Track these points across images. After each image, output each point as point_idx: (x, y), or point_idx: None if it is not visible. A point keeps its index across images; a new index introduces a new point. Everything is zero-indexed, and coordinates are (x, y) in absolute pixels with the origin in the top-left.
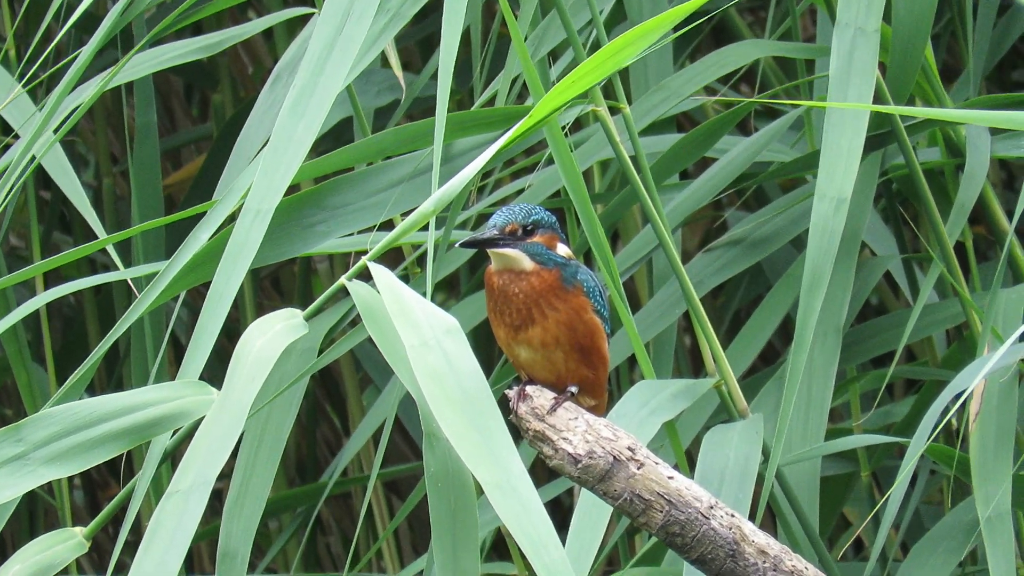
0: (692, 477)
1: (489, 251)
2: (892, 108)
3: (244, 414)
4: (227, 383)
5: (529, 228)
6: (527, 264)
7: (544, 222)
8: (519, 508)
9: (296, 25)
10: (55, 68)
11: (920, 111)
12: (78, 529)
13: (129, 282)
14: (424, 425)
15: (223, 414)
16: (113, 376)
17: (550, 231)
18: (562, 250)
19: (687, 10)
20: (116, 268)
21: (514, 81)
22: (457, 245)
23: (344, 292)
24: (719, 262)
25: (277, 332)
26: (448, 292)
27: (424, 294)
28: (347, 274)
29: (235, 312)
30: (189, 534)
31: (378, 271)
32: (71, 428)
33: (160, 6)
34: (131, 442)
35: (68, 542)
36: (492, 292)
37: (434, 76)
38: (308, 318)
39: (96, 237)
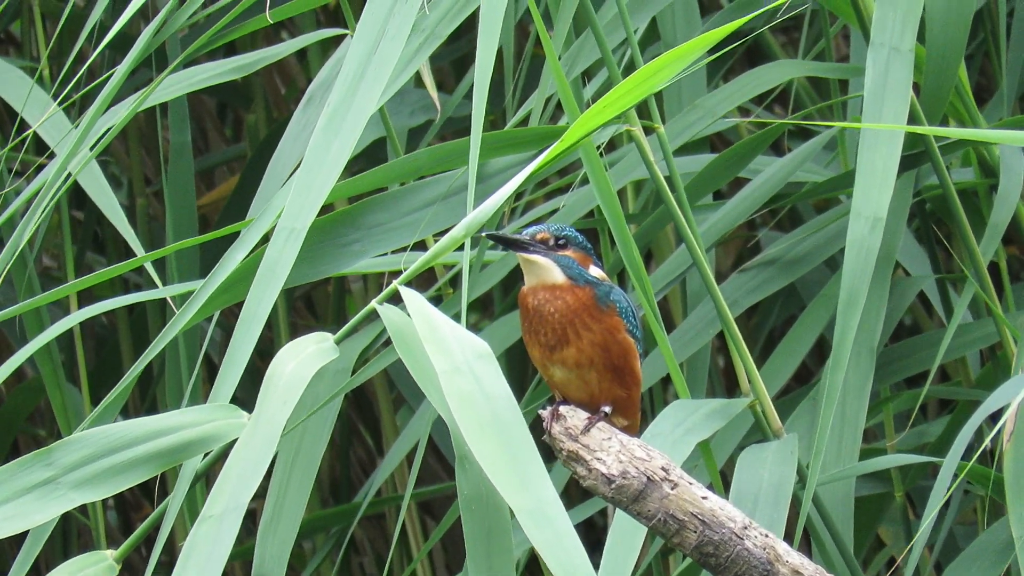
0: (727, 497)
1: (519, 257)
2: (926, 129)
3: (276, 438)
4: (259, 406)
5: (561, 241)
6: (558, 276)
7: (576, 240)
8: (551, 534)
9: (329, 45)
10: (89, 88)
11: (954, 132)
12: (109, 552)
13: (168, 300)
14: (456, 448)
15: (255, 438)
16: (147, 397)
17: (582, 250)
18: (595, 271)
19: (722, 33)
20: (149, 288)
21: (547, 100)
22: (483, 234)
23: (377, 313)
24: (753, 282)
25: (308, 355)
26: (482, 312)
27: (458, 316)
28: (378, 298)
29: (268, 332)
30: (223, 559)
31: (409, 295)
32: (101, 452)
33: (193, 26)
34: (161, 466)
35: (99, 564)
36: (527, 312)
37: (467, 96)
38: (339, 341)
39: (129, 257)
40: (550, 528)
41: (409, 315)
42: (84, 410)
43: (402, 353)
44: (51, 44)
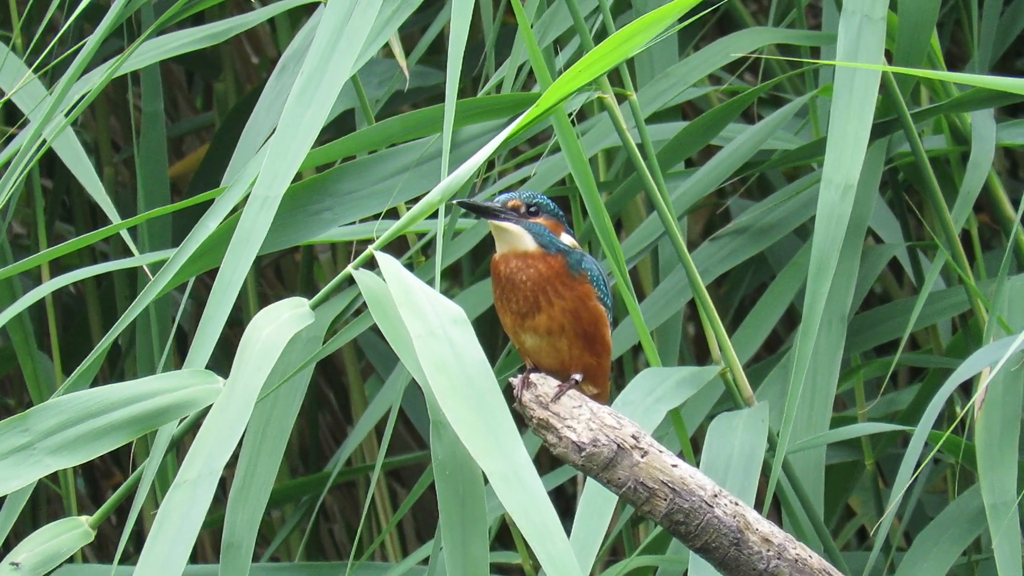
0: (697, 465)
1: (491, 225)
2: (901, 70)
3: (251, 403)
4: (234, 372)
5: (532, 209)
6: (529, 243)
7: (547, 207)
8: (524, 498)
9: (299, 14)
10: (63, 57)
11: (933, 75)
12: (84, 518)
13: (145, 268)
14: (431, 414)
15: (230, 403)
16: (116, 369)
17: (554, 218)
18: (566, 239)
19: (694, 0)
20: (118, 258)
21: (520, 68)
22: (454, 202)
23: (347, 282)
24: (724, 251)
25: (284, 321)
26: (452, 281)
27: (431, 282)
28: (353, 263)
29: (238, 301)
30: (197, 524)
31: (385, 260)
32: (77, 418)
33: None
34: (137, 431)
35: (74, 531)
36: (499, 280)
37: (433, 64)
38: (314, 307)
39: (100, 226)
40: (523, 492)
41: (384, 280)
42: (55, 379)
43: (377, 318)
44: (25, 14)
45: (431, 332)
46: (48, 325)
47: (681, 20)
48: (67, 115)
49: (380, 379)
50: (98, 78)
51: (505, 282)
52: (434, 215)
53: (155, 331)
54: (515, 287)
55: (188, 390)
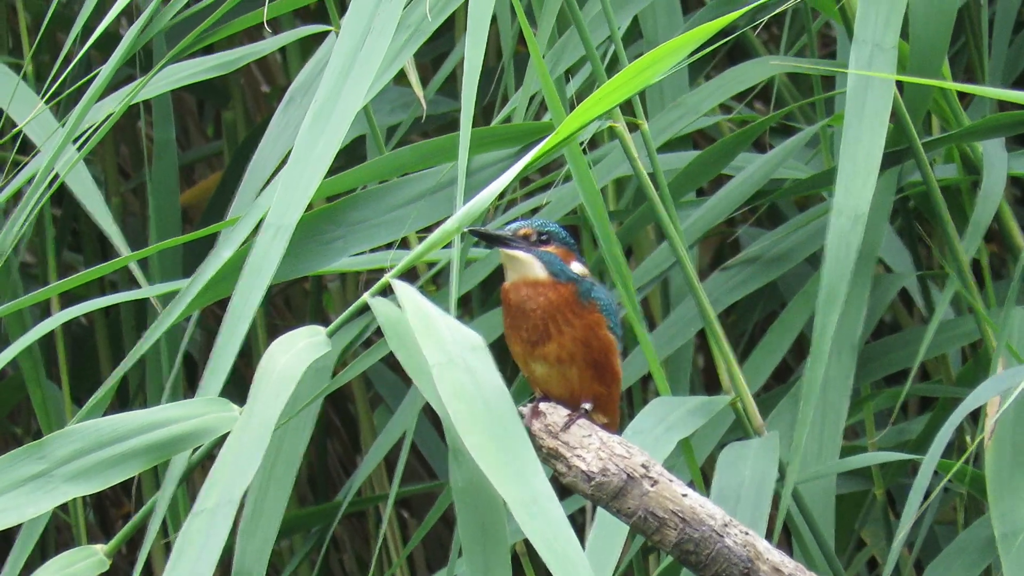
0: (707, 495)
1: (502, 253)
2: (914, 80)
3: (269, 431)
4: (251, 400)
5: (543, 237)
6: (540, 271)
7: (558, 236)
8: (545, 526)
9: (309, 43)
10: (75, 87)
11: (947, 85)
12: (99, 547)
13: (153, 300)
14: (450, 441)
15: (248, 431)
16: (125, 398)
17: (565, 246)
18: (577, 267)
19: (708, 32)
20: (127, 287)
21: (532, 97)
22: (465, 230)
23: (354, 312)
24: (734, 280)
25: (301, 349)
26: (462, 310)
27: (445, 311)
28: (370, 291)
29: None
30: (216, 553)
31: (401, 288)
32: (94, 445)
33: (176, 24)
34: (154, 459)
35: (89, 559)
36: (509, 308)
37: (443, 92)
38: (331, 334)
39: (109, 255)
40: (544, 520)
41: (401, 307)
42: (64, 407)
43: (393, 346)
44: (35, 44)
45: (450, 359)
46: (57, 353)
47: (695, 52)
48: (78, 147)
49: (388, 409)
50: (109, 107)
51: (515, 310)
52: (447, 244)
53: (165, 359)
54: (525, 315)
55: (204, 418)
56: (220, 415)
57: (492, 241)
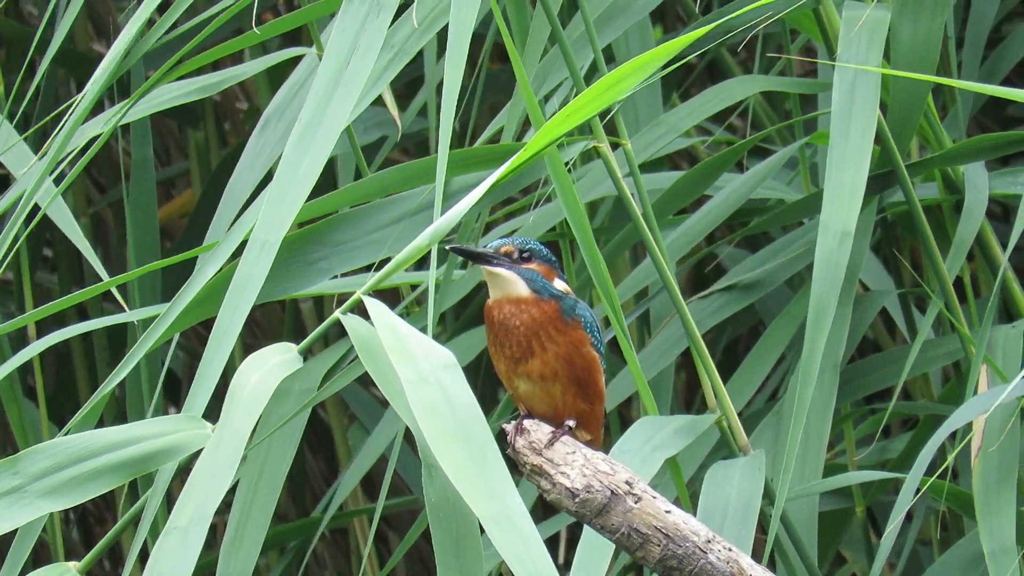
0: (694, 513)
1: (484, 271)
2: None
3: (241, 448)
4: (223, 417)
5: (525, 255)
6: (522, 289)
7: (540, 253)
8: (517, 541)
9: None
10: (55, 114)
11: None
12: (72, 564)
13: (136, 323)
14: (423, 456)
15: (220, 448)
16: (104, 416)
17: (547, 263)
18: (559, 284)
19: (680, 45)
20: (102, 309)
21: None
22: (447, 248)
23: (340, 333)
24: (714, 304)
25: (273, 366)
26: (442, 327)
27: (423, 330)
28: (341, 308)
29: None
30: (188, 570)
31: (373, 305)
32: (68, 461)
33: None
34: (128, 475)
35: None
36: (492, 325)
37: (421, 113)
38: (303, 352)
39: (85, 271)
40: (515, 535)
41: (373, 326)
42: (41, 424)
43: (367, 363)
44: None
45: (422, 377)
46: (34, 370)
47: (667, 66)
48: (55, 177)
49: (364, 428)
50: (90, 132)
51: (499, 327)
52: (426, 262)
53: (145, 378)
54: (508, 332)
55: (177, 435)
56: (193, 432)
57: (474, 259)
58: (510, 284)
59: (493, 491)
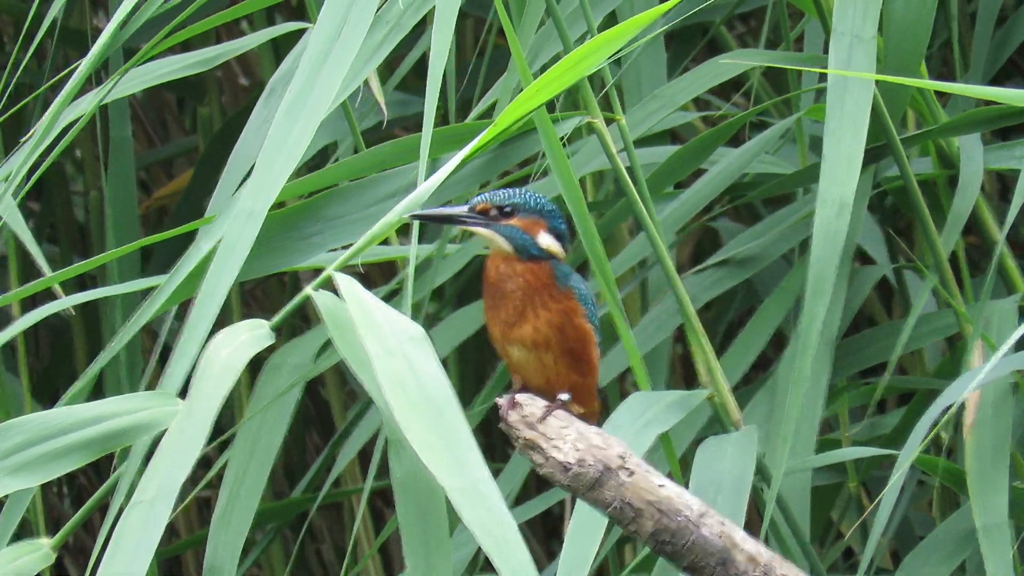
0: (687, 488)
1: (458, 229)
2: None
3: (208, 423)
4: (191, 393)
5: (507, 210)
6: (503, 244)
7: (525, 206)
8: (483, 512)
9: (281, 40)
10: (46, 86)
11: (928, 84)
12: (45, 540)
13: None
14: (389, 433)
15: (187, 424)
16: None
17: (534, 215)
18: (545, 240)
19: (650, 17)
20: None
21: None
22: (406, 216)
23: (298, 305)
24: (711, 279)
25: (243, 342)
26: (440, 303)
27: (417, 304)
28: (313, 283)
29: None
30: (153, 544)
31: (342, 280)
32: (37, 438)
33: (147, 22)
34: (98, 452)
35: (35, 553)
36: (488, 285)
37: (417, 91)
38: (275, 328)
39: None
40: (483, 506)
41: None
42: (24, 399)
43: (336, 338)
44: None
45: (389, 351)
46: (17, 346)
47: (654, 32)
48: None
49: (363, 403)
50: (82, 107)
51: (493, 288)
52: (425, 237)
53: (124, 356)
54: (504, 295)
55: (148, 412)
56: (164, 408)
57: (444, 221)
58: (491, 241)
59: (461, 464)
